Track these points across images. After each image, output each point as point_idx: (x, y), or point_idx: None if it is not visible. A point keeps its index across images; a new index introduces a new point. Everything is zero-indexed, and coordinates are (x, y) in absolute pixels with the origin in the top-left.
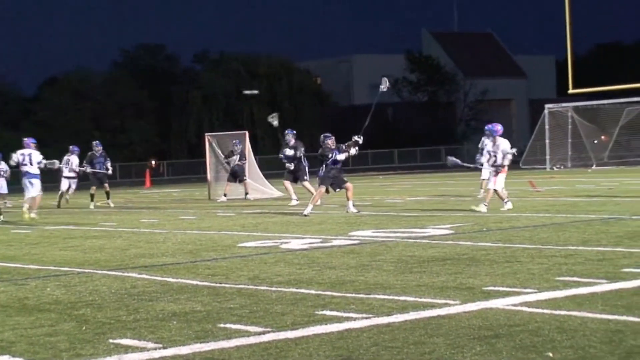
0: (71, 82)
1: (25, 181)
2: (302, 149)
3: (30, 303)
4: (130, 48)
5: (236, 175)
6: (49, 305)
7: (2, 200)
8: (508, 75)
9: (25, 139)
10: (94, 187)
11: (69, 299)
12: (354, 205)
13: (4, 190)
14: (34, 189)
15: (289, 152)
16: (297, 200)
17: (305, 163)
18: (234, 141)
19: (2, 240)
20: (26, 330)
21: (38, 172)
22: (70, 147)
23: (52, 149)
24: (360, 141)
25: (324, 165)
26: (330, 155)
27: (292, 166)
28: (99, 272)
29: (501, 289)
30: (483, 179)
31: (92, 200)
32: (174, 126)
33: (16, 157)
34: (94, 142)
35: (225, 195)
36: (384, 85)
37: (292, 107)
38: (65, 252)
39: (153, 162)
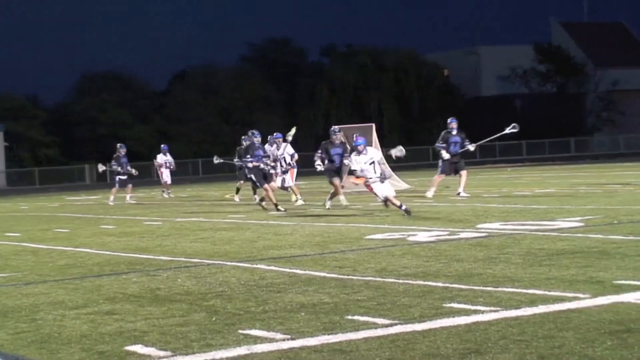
0: (200, 76)
1: None
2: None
3: (162, 294)
4: (257, 42)
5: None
6: (180, 296)
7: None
8: None
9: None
10: (242, 182)
11: (199, 289)
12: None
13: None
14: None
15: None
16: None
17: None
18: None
19: (135, 232)
20: (158, 320)
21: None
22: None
23: (180, 143)
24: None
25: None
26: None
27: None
28: (229, 263)
29: (633, 282)
30: None
31: (237, 193)
32: (302, 119)
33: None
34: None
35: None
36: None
37: (420, 99)
38: (195, 244)
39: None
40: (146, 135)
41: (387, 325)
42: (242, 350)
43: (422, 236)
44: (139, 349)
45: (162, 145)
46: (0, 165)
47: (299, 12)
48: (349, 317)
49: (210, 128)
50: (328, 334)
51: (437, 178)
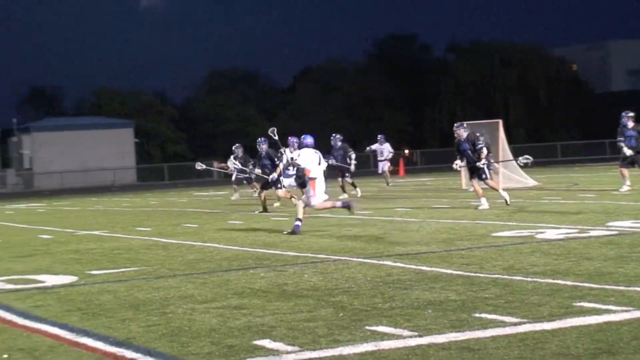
0: (323, 73)
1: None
2: None
3: (289, 289)
4: (382, 38)
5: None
6: (307, 291)
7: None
8: None
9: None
10: (340, 179)
11: (326, 285)
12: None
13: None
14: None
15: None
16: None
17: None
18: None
19: (262, 227)
20: (285, 315)
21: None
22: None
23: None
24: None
25: None
26: None
27: None
28: (355, 259)
29: None
30: None
31: (343, 191)
32: (426, 115)
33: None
34: (335, 136)
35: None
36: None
37: (547, 95)
38: (321, 239)
39: (406, 151)
40: None
41: (515, 324)
42: (369, 347)
43: (551, 234)
44: (267, 343)
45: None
46: (130, 161)
47: (424, 7)
48: (477, 314)
49: (334, 124)
50: (456, 332)
51: (623, 170)
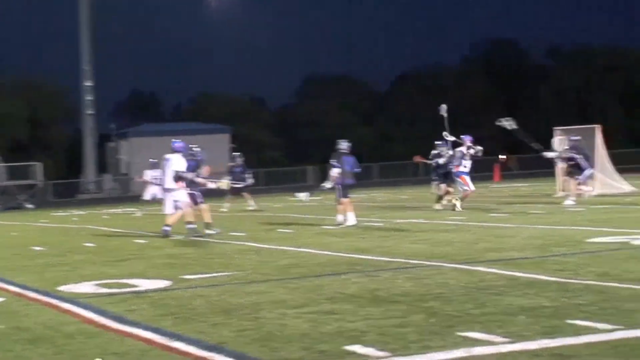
0: (422, 77)
1: None
2: None
3: (381, 294)
4: (481, 43)
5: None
6: (399, 296)
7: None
8: None
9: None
10: (443, 186)
11: (418, 291)
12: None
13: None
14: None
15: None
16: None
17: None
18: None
19: (356, 232)
20: (377, 320)
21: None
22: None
23: (402, 144)
24: None
25: None
26: None
27: None
28: (448, 265)
29: None
30: None
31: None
32: (523, 121)
33: None
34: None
35: (563, 190)
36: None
37: None
38: (414, 245)
39: (502, 156)
40: (369, 137)
41: (609, 331)
42: (460, 353)
43: None
44: (358, 348)
45: (150, 160)
46: (226, 166)
47: (523, 12)
48: (570, 321)
49: (432, 129)
50: (548, 338)
51: None
